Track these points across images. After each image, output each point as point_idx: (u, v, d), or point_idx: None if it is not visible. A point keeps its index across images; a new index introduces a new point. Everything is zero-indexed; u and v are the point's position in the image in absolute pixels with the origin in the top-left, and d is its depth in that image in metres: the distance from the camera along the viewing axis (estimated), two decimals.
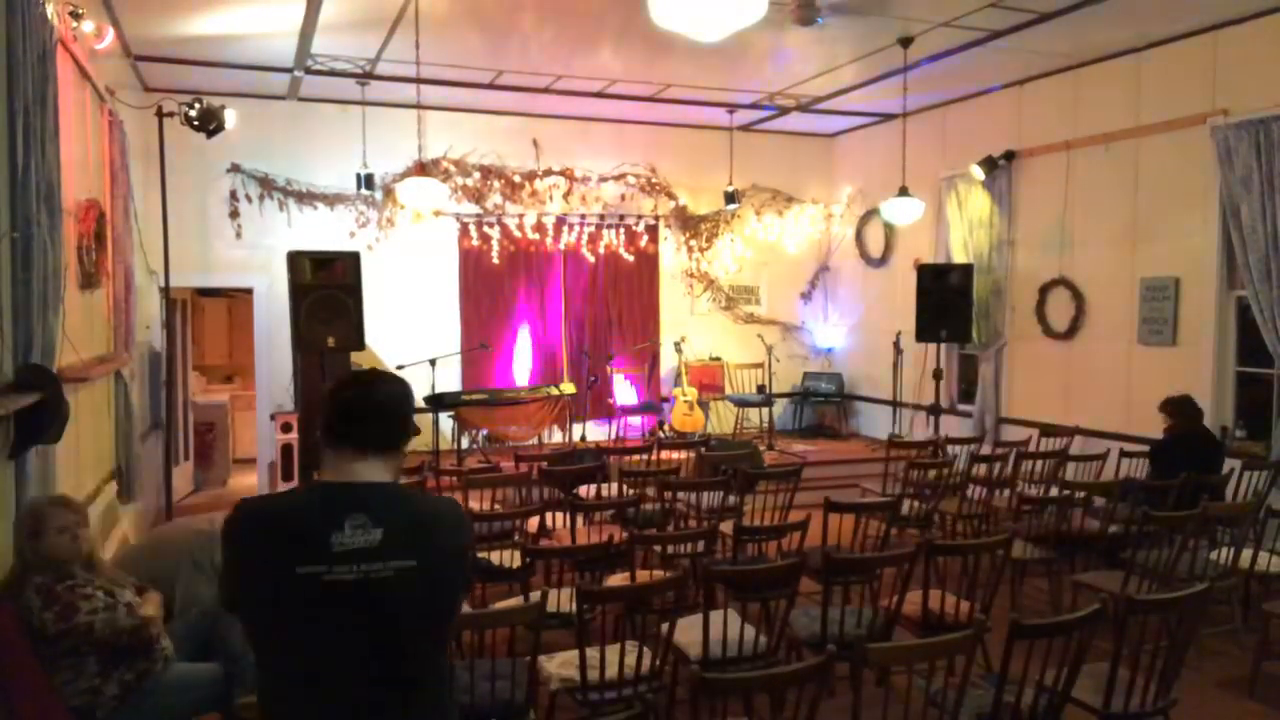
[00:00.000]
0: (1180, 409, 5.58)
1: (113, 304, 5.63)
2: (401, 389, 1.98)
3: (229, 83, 7.68)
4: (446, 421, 8.31)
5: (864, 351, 10.02)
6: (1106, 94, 7.14)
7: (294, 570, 1.71)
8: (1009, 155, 7.93)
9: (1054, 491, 5.59)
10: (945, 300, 7.97)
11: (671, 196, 9.76)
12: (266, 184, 8.37)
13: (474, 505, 5.29)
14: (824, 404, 10.15)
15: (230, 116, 6.22)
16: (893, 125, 8.75)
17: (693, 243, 9.92)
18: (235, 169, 8.27)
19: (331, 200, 8.57)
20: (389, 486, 1.88)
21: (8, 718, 2.72)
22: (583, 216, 9.42)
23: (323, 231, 8.47)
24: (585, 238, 9.44)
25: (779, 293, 10.33)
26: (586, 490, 5.88)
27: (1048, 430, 7.00)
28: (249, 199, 8.35)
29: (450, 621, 1.95)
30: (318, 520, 1.75)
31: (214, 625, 3.53)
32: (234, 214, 8.30)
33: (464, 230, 9.03)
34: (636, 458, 6.44)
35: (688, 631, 3.57)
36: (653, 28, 4.09)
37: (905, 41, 6.60)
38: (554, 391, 8.74)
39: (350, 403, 1.88)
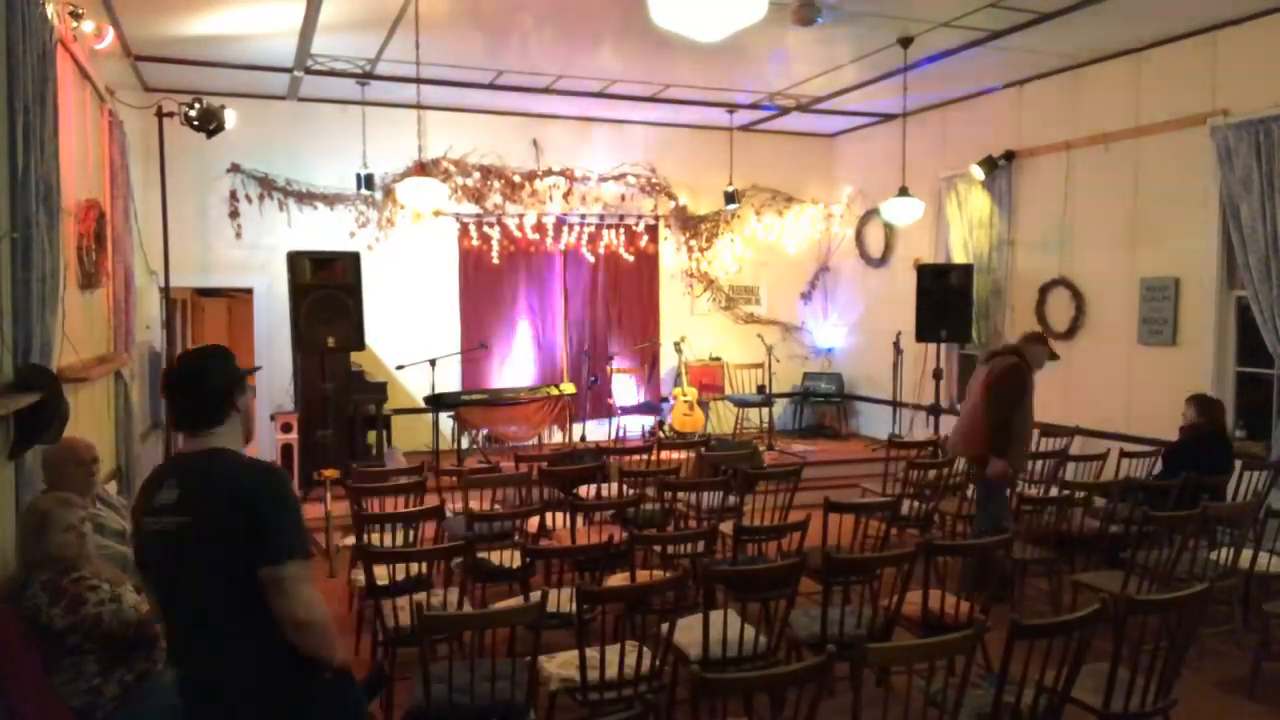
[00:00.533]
0: (1207, 408, 5.54)
1: (113, 304, 5.64)
2: (213, 366, 2.31)
3: (229, 83, 7.68)
4: (446, 421, 8.31)
5: (864, 351, 10.02)
6: (1106, 94, 7.14)
7: (140, 520, 2.20)
8: (1009, 155, 7.93)
9: (1054, 491, 5.59)
10: (945, 300, 7.97)
11: (671, 196, 9.76)
12: (266, 184, 8.37)
13: (474, 505, 5.29)
14: (824, 404, 10.14)
15: (230, 116, 6.22)
16: (892, 125, 8.75)
17: (693, 243, 9.92)
18: (235, 169, 8.27)
19: (331, 200, 8.57)
20: (205, 454, 2.23)
21: (8, 718, 2.72)
22: (583, 216, 9.42)
23: (323, 231, 8.47)
24: (585, 238, 9.44)
25: (779, 293, 10.33)
26: (586, 490, 5.88)
27: (1048, 430, 7.00)
28: (249, 199, 8.35)
29: (239, 577, 2.11)
30: (155, 481, 2.23)
31: None
32: (234, 214, 8.30)
33: (464, 230, 9.03)
34: (636, 458, 6.44)
35: (688, 631, 3.57)
36: (653, 28, 4.09)
37: (905, 41, 6.59)
38: (554, 391, 8.74)
39: (171, 389, 2.32)
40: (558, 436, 8.99)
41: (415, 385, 8.40)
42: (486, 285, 9.13)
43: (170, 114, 6.17)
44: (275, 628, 2.11)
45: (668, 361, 9.69)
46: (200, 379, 2.26)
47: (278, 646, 2.13)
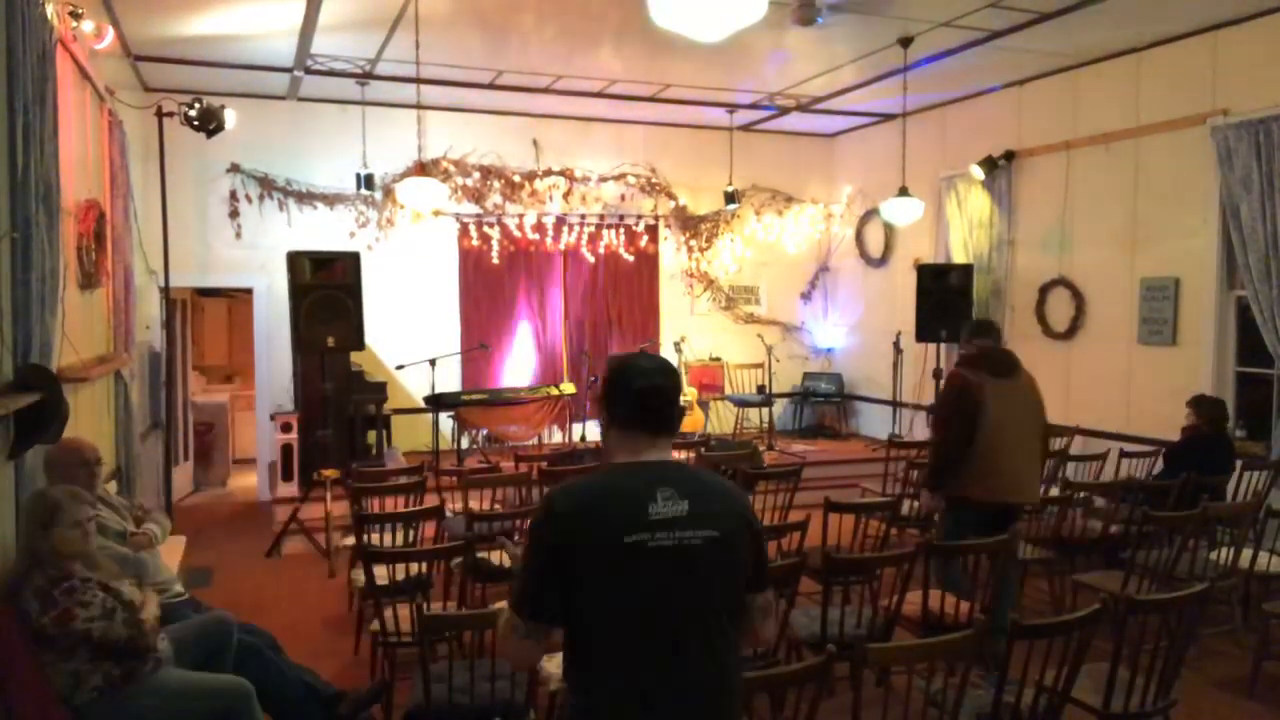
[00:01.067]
0: (1208, 409, 5.52)
1: (113, 304, 5.63)
2: (678, 377, 2.16)
3: (229, 83, 7.67)
4: (446, 421, 8.30)
5: (864, 351, 10.02)
6: (1106, 94, 7.14)
7: (621, 539, 1.89)
8: (1009, 155, 7.93)
9: (1054, 491, 5.59)
10: (945, 300, 7.96)
11: (671, 196, 9.76)
12: (266, 184, 8.37)
13: (474, 505, 5.29)
14: (824, 404, 10.14)
15: (230, 116, 6.22)
16: (892, 125, 8.75)
17: (693, 243, 9.91)
18: (235, 169, 8.26)
19: (331, 200, 8.56)
20: (681, 464, 2.10)
21: (6, 718, 2.72)
22: (583, 216, 9.42)
23: (323, 231, 8.47)
24: (585, 238, 9.44)
25: (779, 293, 10.33)
26: None
27: (1047, 430, 6.99)
28: (249, 199, 8.35)
29: (741, 597, 2.06)
30: (636, 493, 1.94)
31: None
32: (234, 214, 8.30)
33: (464, 230, 9.03)
34: None
35: None
36: (653, 28, 4.09)
37: (905, 41, 6.59)
38: (554, 391, 8.73)
39: (648, 393, 2.04)
40: (558, 436, 8.99)
41: (415, 385, 8.40)
42: (486, 285, 9.13)
43: (170, 114, 6.17)
44: (739, 648, 2.09)
45: None
46: (679, 386, 2.14)
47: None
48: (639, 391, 2.04)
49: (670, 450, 2.10)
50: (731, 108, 8.90)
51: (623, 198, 9.59)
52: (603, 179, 9.46)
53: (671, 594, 1.92)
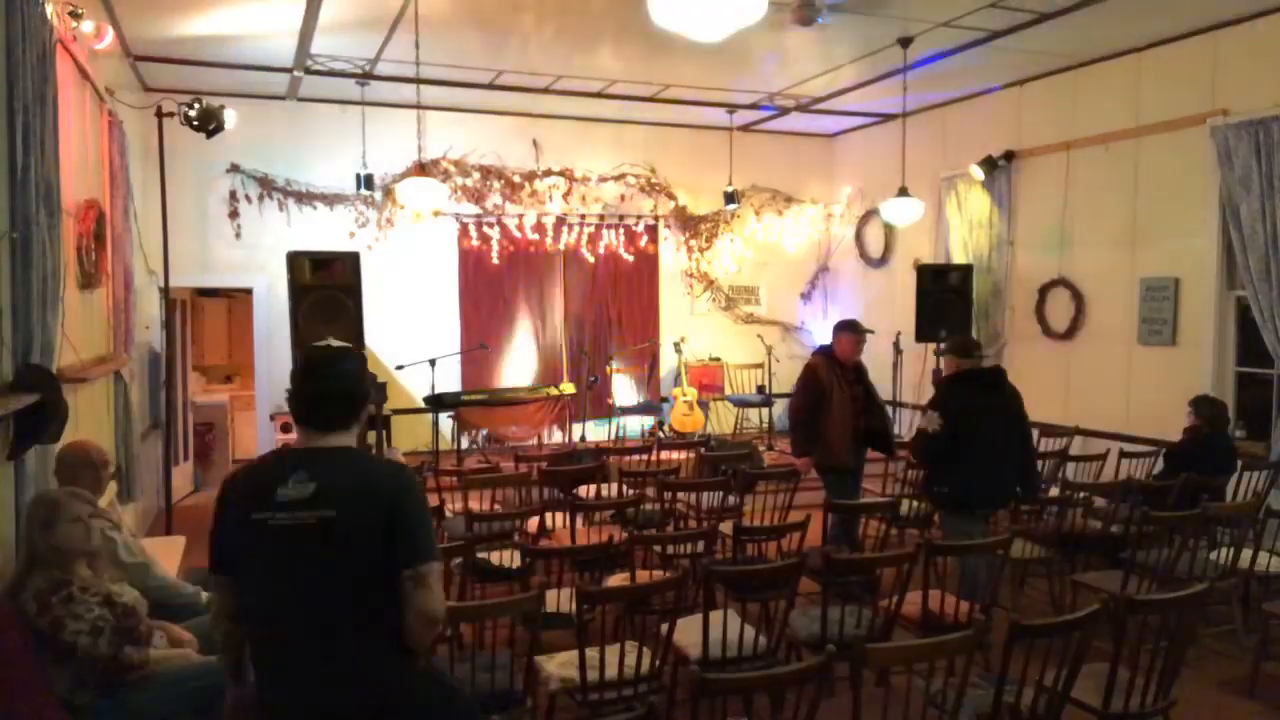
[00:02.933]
0: (1208, 409, 5.51)
1: (112, 304, 5.63)
2: (349, 369, 2.29)
3: (229, 83, 7.68)
4: (446, 422, 8.31)
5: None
6: (1106, 94, 7.14)
7: (250, 516, 2.10)
8: (1009, 155, 7.93)
9: (1054, 491, 5.59)
10: (945, 300, 7.96)
11: (671, 197, 9.76)
12: (266, 184, 8.37)
13: (474, 505, 5.29)
14: None
15: (230, 116, 6.21)
16: (892, 125, 8.74)
17: (693, 243, 9.91)
18: (235, 169, 8.27)
19: (331, 200, 8.56)
20: (339, 451, 2.21)
21: (5, 717, 2.72)
22: (583, 217, 9.42)
23: (322, 231, 8.47)
24: (585, 238, 9.44)
25: (779, 293, 10.33)
26: (586, 490, 5.88)
27: (1048, 430, 7.00)
28: (248, 199, 8.35)
29: (374, 574, 2.11)
30: (271, 477, 2.13)
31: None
32: (233, 214, 8.30)
33: (464, 230, 9.03)
34: (636, 458, 6.44)
35: (688, 632, 3.57)
36: (653, 28, 4.09)
37: (905, 41, 6.59)
38: (554, 391, 8.73)
39: (306, 397, 2.22)
40: (558, 436, 8.99)
41: (415, 385, 8.40)
42: (486, 285, 9.13)
43: (170, 114, 6.16)
44: (389, 623, 2.12)
45: (667, 362, 9.69)
46: (343, 380, 2.26)
47: (394, 648, 2.15)
48: (297, 395, 2.23)
49: (347, 438, 2.23)
50: (731, 108, 8.90)
51: (623, 198, 9.59)
52: (603, 179, 9.46)
53: (287, 572, 2.08)
